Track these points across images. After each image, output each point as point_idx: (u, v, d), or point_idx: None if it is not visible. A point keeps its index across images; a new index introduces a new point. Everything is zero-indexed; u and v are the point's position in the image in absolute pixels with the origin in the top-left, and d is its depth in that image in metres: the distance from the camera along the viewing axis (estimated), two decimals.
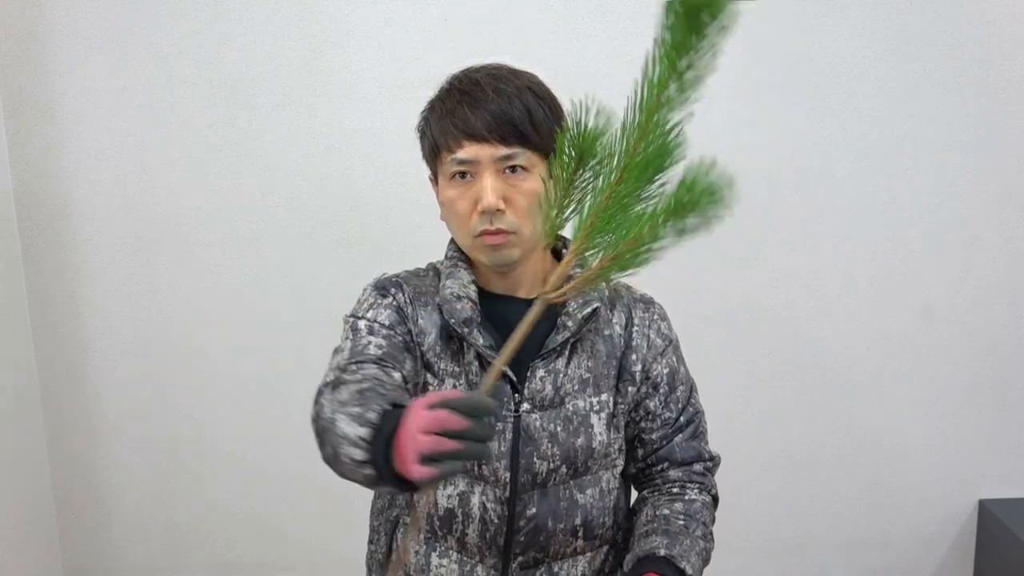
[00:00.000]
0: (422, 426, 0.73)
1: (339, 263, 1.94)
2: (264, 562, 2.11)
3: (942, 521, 2.11)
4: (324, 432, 0.88)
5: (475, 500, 1.04)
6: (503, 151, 0.98)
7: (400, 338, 1.05)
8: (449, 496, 1.05)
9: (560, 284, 0.76)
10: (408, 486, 0.80)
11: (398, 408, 0.82)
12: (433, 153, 1.05)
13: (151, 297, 1.97)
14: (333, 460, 0.87)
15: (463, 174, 1.01)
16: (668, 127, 0.67)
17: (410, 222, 1.89)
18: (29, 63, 1.85)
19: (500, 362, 0.77)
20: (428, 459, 0.72)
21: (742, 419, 2.04)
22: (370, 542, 1.19)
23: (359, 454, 0.81)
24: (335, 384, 0.95)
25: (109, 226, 1.93)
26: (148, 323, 1.98)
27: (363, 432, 0.81)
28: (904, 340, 2.01)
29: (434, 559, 1.08)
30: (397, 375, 0.99)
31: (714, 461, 1.16)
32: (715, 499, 1.15)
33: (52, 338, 1.98)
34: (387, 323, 1.05)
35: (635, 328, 1.11)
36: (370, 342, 1.03)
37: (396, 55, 1.86)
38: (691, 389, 1.15)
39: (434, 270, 1.13)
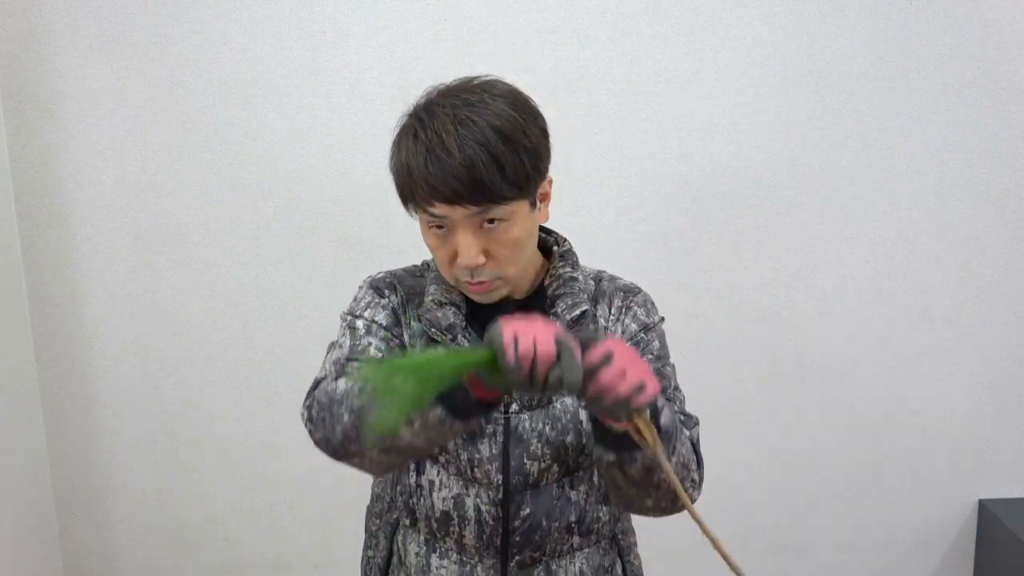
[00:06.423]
0: (554, 329, 0.79)
1: (339, 263, 1.94)
2: (264, 562, 2.11)
3: (942, 521, 2.11)
4: (351, 396, 0.90)
5: (469, 502, 1.04)
6: (475, 210, 0.93)
7: (397, 341, 1.05)
8: (444, 499, 1.05)
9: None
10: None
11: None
12: (403, 198, 1.01)
13: (151, 297, 1.97)
14: (364, 415, 0.89)
15: (439, 226, 0.97)
16: None
17: (410, 222, 1.86)
18: (29, 63, 1.85)
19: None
20: (520, 353, 0.77)
21: (742, 419, 2.04)
22: (367, 547, 1.18)
23: None
24: (339, 376, 0.95)
25: (109, 226, 1.93)
26: (148, 323, 1.98)
27: None
28: (904, 340, 2.01)
29: (434, 560, 1.08)
30: None
31: (688, 416, 1.05)
32: (695, 446, 1.03)
33: (52, 338, 1.98)
34: (384, 323, 1.06)
35: (612, 318, 1.08)
36: (370, 343, 1.03)
37: (396, 56, 1.86)
38: (663, 364, 1.07)
39: (429, 268, 1.13)
